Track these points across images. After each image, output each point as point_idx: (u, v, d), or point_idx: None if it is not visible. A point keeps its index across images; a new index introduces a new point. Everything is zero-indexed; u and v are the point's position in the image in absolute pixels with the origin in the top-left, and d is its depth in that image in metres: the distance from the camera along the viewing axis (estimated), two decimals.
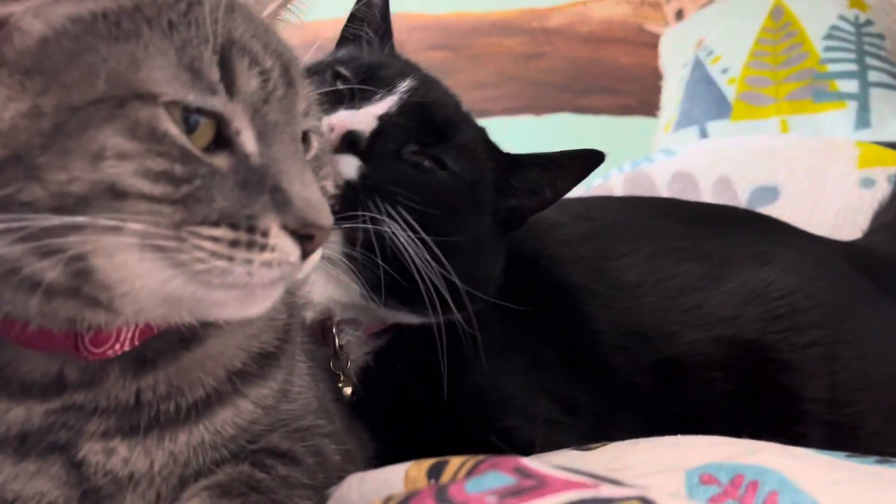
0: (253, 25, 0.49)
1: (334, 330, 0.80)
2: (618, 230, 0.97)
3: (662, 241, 0.96)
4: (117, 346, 0.48)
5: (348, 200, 0.68)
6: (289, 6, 0.60)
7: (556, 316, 0.87)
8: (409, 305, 0.74)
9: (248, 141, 0.45)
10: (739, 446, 0.50)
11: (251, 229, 0.43)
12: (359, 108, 0.75)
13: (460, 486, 0.36)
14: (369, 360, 0.81)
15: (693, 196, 1.33)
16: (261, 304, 0.47)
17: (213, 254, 0.42)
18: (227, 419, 0.53)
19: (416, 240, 0.69)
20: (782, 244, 0.98)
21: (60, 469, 0.49)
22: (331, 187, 0.56)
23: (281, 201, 0.45)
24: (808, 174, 1.29)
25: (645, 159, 1.52)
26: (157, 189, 0.41)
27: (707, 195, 1.33)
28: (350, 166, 0.71)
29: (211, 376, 0.53)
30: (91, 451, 0.49)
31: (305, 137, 0.52)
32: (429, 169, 0.76)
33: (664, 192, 1.36)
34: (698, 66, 2.13)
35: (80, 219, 0.40)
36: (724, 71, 2.04)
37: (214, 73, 0.44)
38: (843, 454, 0.54)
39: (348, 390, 0.78)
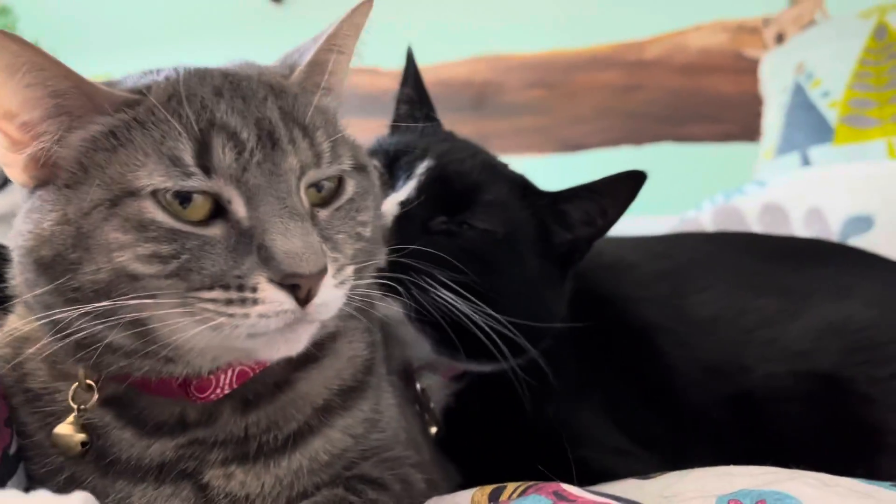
0: (241, 100, 0.55)
1: (415, 375, 0.87)
2: (695, 267, 1.01)
3: (740, 276, 0.99)
4: (218, 391, 0.59)
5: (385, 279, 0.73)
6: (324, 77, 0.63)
7: (632, 353, 0.92)
8: (473, 357, 0.81)
9: (238, 207, 0.52)
10: (781, 474, 0.54)
11: (241, 287, 0.50)
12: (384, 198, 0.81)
13: None
14: (451, 402, 0.88)
15: (783, 228, 1.34)
16: (294, 346, 0.55)
17: (217, 312, 0.50)
18: (320, 447, 0.62)
19: (455, 299, 0.75)
20: (866, 277, 0.98)
21: (190, 492, 0.59)
22: (367, 231, 0.60)
23: (266, 257, 0.51)
24: None
25: (736, 191, 1.53)
26: (152, 269, 0.50)
27: (798, 227, 1.33)
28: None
29: (300, 413, 0.62)
30: (214, 476, 0.59)
31: (321, 187, 0.57)
32: (457, 233, 0.81)
33: (754, 226, 1.38)
34: (798, 90, 2.10)
35: (105, 303, 0.50)
36: (825, 94, 2.01)
37: (189, 158, 0.51)
38: (889, 483, 0.57)
39: (433, 429, 0.85)
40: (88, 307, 0.51)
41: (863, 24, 2.05)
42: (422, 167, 0.84)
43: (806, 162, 1.95)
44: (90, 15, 2.90)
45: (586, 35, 2.67)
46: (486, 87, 2.71)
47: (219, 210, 0.52)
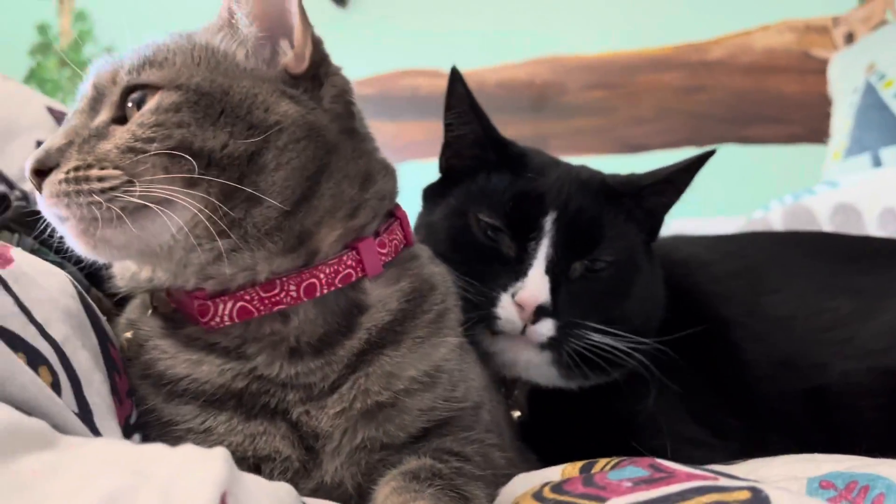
0: None
1: None
2: (768, 267, 1.02)
3: (814, 277, 0.99)
4: (217, 319, 0.62)
5: (553, 345, 0.84)
6: None
7: (707, 347, 0.93)
8: (605, 375, 0.88)
9: None
10: (866, 460, 0.56)
11: None
12: (525, 272, 0.84)
13: (603, 475, 0.45)
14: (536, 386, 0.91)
15: (856, 229, 1.33)
16: (80, 241, 0.59)
17: None
18: (376, 369, 0.64)
19: (609, 340, 0.83)
20: None
21: (287, 430, 0.63)
22: (151, 146, 0.58)
23: None
24: None
25: (806, 191, 1.52)
26: None
27: (871, 227, 1.32)
28: (548, 328, 0.83)
29: (348, 352, 0.65)
30: (299, 413, 0.63)
31: (139, 103, 0.61)
32: (593, 276, 0.87)
33: (825, 226, 1.37)
34: (870, 90, 2.06)
35: None
36: None
37: None
38: None
39: (517, 413, 0.89)
40: None
41: None
42: (549, 222, 0.86)
43: (877, 163, 1.92)
44: (166, 20, 3.01)
45: (649, 37, 2.66)
46: (547, 89, 2.72)
47: None
